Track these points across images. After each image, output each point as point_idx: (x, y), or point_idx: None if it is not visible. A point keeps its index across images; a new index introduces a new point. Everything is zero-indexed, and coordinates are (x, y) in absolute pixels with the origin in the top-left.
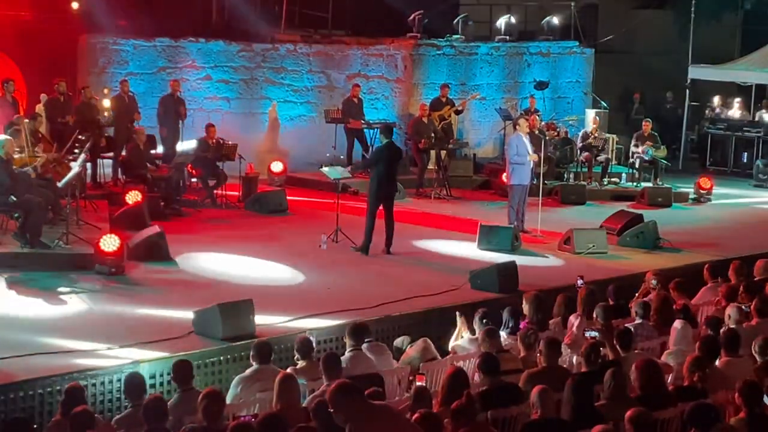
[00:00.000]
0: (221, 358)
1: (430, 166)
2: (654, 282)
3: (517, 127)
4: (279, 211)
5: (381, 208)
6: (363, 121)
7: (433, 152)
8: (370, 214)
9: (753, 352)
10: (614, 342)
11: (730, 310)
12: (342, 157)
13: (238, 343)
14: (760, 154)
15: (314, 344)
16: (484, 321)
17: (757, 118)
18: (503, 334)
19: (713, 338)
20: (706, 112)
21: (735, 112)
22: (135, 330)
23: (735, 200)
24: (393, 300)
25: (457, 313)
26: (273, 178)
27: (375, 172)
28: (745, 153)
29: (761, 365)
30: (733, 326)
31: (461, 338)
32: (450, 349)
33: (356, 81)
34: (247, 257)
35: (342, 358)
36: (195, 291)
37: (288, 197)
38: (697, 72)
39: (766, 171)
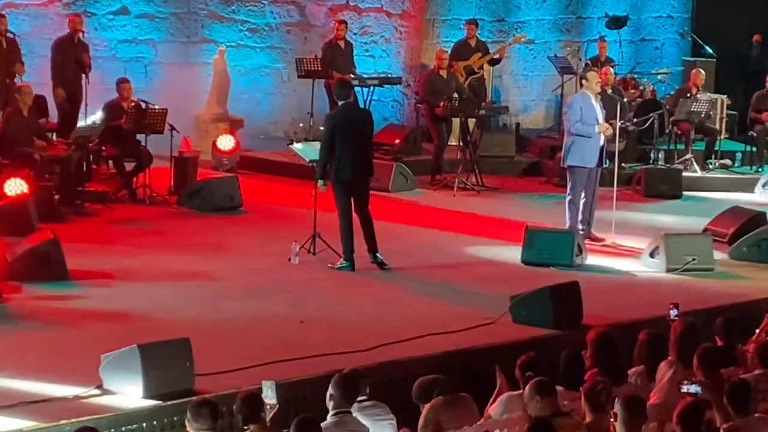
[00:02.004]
0: (144, 424)
1: (453, 142)
2: None
3: (584, 83)
4: (229, 209)
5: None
6: (353, 75)
7: (456, 121)
8: (342, 215)
9: None
10: (724, 401)
11: None
12: (322, 128)
13: (169, 402)
14: None
15: (274, 400)
16: (528, 375)
17: None
18: (560, 389)
19: None
20: None
21: None
22: (18, 385)
23: None
24: (398, 340)
25: (497, 367)
26: (220, 160)
27: (333, 152)
28: None
29: None
30: None
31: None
32: (485, 414)
33: (342, 16)
34: (181, 277)
35: (323, 425)
36: (105, 325)
37: (242, 188)
38: None
39: None
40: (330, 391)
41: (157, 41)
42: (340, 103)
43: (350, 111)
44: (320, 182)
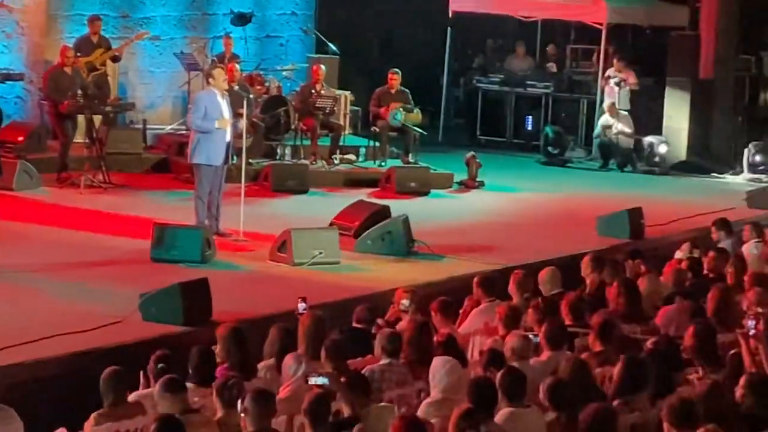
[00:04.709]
0: None
1: (78, 140)
2: (406, 302)
3: (210, 80)
4: None
5: None
6: None
7: (81, 118)
8: None
9: (542, 398)
10: (349, 391)
11: (512, 341)
12: None
13: None
14: (549, 118)
15: None
16: (161, 367)
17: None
18: (191, 386)
19: (490, 381)
20: (476, 60)
21: (516, 60)
22: None
23: (516, 184)
24: (23, 341)
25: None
26: None
27: None
28: (530, 117)
29: (557, 422)
30: (515, 363)
31: None
32: None
33: None
34: None
35: None
36: None
37: None
38: (462, 2)
39: (559, 142)
40: None
41: None
42: None
43: None
44: None
